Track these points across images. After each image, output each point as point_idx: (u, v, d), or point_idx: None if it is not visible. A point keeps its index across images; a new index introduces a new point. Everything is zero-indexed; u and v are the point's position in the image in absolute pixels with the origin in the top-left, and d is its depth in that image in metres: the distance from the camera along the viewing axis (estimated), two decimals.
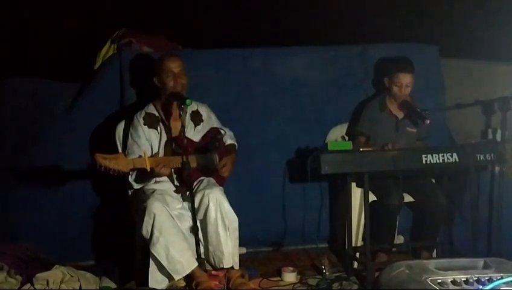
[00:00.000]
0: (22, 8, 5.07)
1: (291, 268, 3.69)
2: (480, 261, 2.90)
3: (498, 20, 4.35)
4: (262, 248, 4.14)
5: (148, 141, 3.51)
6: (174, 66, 3.49)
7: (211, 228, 3.35)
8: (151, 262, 3.29)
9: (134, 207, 3.53)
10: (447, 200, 3.72)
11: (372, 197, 3.72)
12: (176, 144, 3.46)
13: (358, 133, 3.95)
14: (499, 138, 3.65)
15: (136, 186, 3.48)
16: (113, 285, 3.46)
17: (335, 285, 3.54)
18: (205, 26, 5.70)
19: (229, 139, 3.75)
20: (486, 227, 3.80)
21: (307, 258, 3.96)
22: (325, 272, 3.57)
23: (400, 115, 3.92)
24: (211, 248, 3.38)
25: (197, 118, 3.64)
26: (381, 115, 3.92)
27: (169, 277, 3.30)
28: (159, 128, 3.54)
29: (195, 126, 3.62)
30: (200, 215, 3.38)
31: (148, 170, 3.22)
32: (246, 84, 4.24)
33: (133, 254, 3.52)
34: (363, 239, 3.75)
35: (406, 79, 3.80)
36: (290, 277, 3.64)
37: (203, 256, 3.35)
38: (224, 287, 3.43)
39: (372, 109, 3.95)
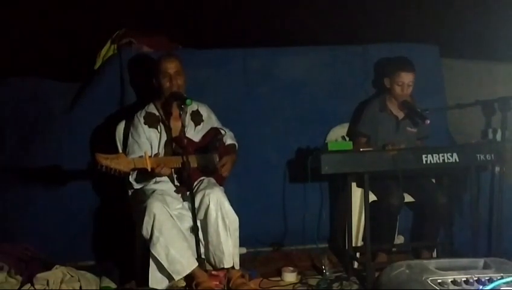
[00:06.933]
0: (22, 8, 5.07)
1: (291, 268, 3.69)
2: (480, 261, 2.90)
3: (498, 20, 4.35)
4: (262, 248, 4.14)
5: (148, 140, 3.51)
6: (170, 66, 3.50)
7: (211, 228, 3.35)
8: (151, 262, 3.29)
9: (134, 207, 3.53)
10: (447, 200, 3.72)
11: (372, 197, 3.72)
12: (176, 144, 3.47)
13: (359, 134, 3.95)
14: (499, 138, 3.65)
15: (137, 186, 3.49)
16: (113, 285, 3.46)
17: (335, 285, 3.54)
18: (205, 26, 5.70)
19: (229, 139, 3.75)
20: (486, 227, 3.80)
21: (307, 258, 3.96)
22: (325, 272, 3.57)
23: (400, 115, 3.93)
24: (211, 248, 3.38)
25: (197, 118, 3.64)
26: (381, 115, 3.92)
27: (170, 277, 3.29)
28: (159, 127, 3.54)
29: (195, 126, 3.63)
30: (200, 216, 3.38)
31: (149, 170, 3.22)
32: (246, 84, 4.24)
33: (133, 254, 3.52)
34: (363, 239, 3.75)
35: (407, 78, 3.81)
36: (290, 277, 3.64)
37: (203, 256, 3.35)
38: (224, 287, 3.43)
39: (372, 109, 3.95)
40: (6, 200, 3.94)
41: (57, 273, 3.33)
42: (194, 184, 3.45)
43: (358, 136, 3.95)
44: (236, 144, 3.80)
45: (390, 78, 3.88)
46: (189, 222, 3.36)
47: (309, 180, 3.52)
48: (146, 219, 3.27)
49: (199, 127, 3.64)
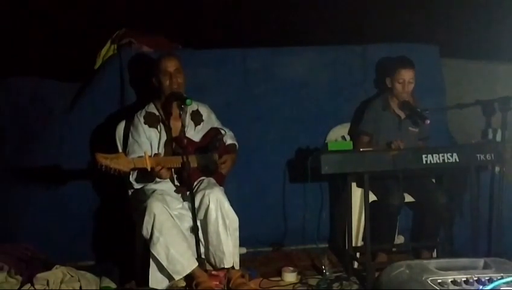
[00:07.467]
0: (22, 8, 5.07)
1: (291, 268, 3.69)
2: (480, 261, 2.90)
3: (498, 20, 4.35)
4: (262, 248, 4.14)
5: (148, 140, 3.51)
6: (170, 65, 3.50)
7: (211, 228, 3.35)
8: (151, 262, 3.29)
9: (134, 207, 3.53)
10: (447, 200, 3.72)
11: (372, 197, 3.72)
12: (176, 144, 3.47)
13: (362, 133, 3.95)
14: (499, 138, 3.65)
15: (137, 186, 3.49)
16: (113, 285, 3.46)
17: (335, 285, 3.54)
18: (205, 26, 5.70)
19: (229, 139, 3.75)
20: (486, 227, 3.80)
21: (307, 258, 3.97)
22: (325, 272, 3.56)
23: (402, 114, 3.93)
24: (211, 248, 3.38)
25: (197, 118, 3.64)
26: (384, 114, 3.93)
27: (170, 277, 3.29)
28: (159, 127, 3.54)
29: (195, 126, 3.63)
30: (200, 215, 3.38)
31: (149, 169, 3.22)
32: (246, 84, 4.24)
33: (133, 254, 3.52)
34: (363, 239, 3.75)
35: (408, 75, 3.82)
36: (290, 277, 3.64)
37: (203, 256, 3.35)
38: (224, 287, 3.43)
39: (375, 108, 3.95)
40: (6, 200, 3.94)
41: (57, 273, 3.33)
42: (194, 184, 3.45)
43: (360, 135, 3.95)
44: (237, 144, 3.80)
45: (391, 77, 3.89)
46: (189, 222, 3.36)
47: (309, 180, 3.52)
48: (146, 218, 3.27)
49: (199, 127, 3.64)
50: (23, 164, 3.94)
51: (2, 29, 4.88)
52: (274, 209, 4.22)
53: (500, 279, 2.60)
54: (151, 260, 3.29)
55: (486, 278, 2.65)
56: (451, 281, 2.66)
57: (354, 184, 3.72)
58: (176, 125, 3.50)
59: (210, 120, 3.71)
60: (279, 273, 3.68)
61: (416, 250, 3.92)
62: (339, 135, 4.21)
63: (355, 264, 3.77)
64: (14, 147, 4.00)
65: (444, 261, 2.96)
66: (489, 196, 3.78)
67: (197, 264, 3.30)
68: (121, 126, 3.72)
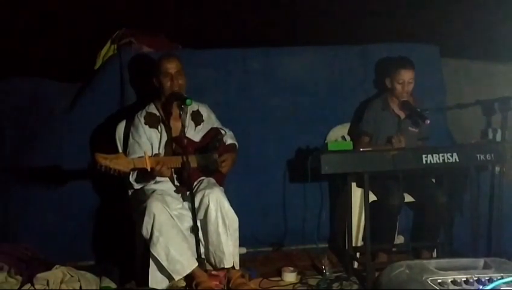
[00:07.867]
0: (22, 8, 5.07)
1: (291, 268, 3.69)
2: (480, 261, 2.90)
3: (498, 20, 4.36)
4: (262, 248, 4.14)
5: (149, 140, 3.51)
6: (171, 66, 3.50)
7: (211, 228, 3.35)
8: (151, 262, 3.29)
9: (134, 207, 3.53)
10: (447, 200, 3.72)
11: (372, 197, 3.72)
12: (176, 144, 3.47)
13: (362, 133, 3.95)
14: (499, 138, 3.65)
15: (137, 186, 3.49)
16: (113, 285, 3.46)
17: (335, 285, 3.54)
18: (205, 26, 5.70)
19: (229, 139, 3.75)
20: (486, 227, 3.80)
21: (307, 258, 3.97)
22: (325, 272, 3.56)
23: (402, 114, 3.93)
24: (211, 248, 3.38)
25: (197, 118, 3.65)
26: (384, 114, 3.93)
27: (170, 277, 3.29)
28: (159, 128, 3.54)
29: (195, 126, 3.63)
30: (200, 215, 3.38)
31: (149, 170, 3.22)
32: (246, 84, 4.24)
33: (133, 254, 3.52)
34: (363, 239, 3.75)
35: (407, 75, 3.82)
36: (290, 277, 3.64)
37: (203, 256, 3.35)
38: (224, 287, 3.43)
39: (375, 108, 3.96)
40: (6, 200, 3.94)
41: (57, 273, 3.33)
42: (194, 184, 3.45)
43: (361, 135, 3.95)
44: (236, 144, 3.80)
45: (390, 78, 3.89)
46: (189, 222, 3.36)
47: (309, 180, 3.52)
48: (146, 219, 3.27)
49: (199, 127, 3.64)
50: (23, 164, 3.95)
51: (2, 29, 4.87)
52: (274, 209, 4.22)
53: (500, 279, 2.60)
54: (151, 260, 3.29)
55: (486, 278, 2.66)
56: (451, 281, 2.66)
57: (354, 184, 3.72)
58: (176, 125, 3.50)
59: (210, 120, 3.71)
60: (279, 273, 3.68)
61: (416, 250, 3.91)
62: (339, 135, 4.21)
63: (355, 264, 3.77)
64: (14, 147, 4.00)
65: (444, 261, 2.96)
66: (489, 196, 3.78)
67: (197, 264, 3.30)
68: (121, 126, 3.72)
